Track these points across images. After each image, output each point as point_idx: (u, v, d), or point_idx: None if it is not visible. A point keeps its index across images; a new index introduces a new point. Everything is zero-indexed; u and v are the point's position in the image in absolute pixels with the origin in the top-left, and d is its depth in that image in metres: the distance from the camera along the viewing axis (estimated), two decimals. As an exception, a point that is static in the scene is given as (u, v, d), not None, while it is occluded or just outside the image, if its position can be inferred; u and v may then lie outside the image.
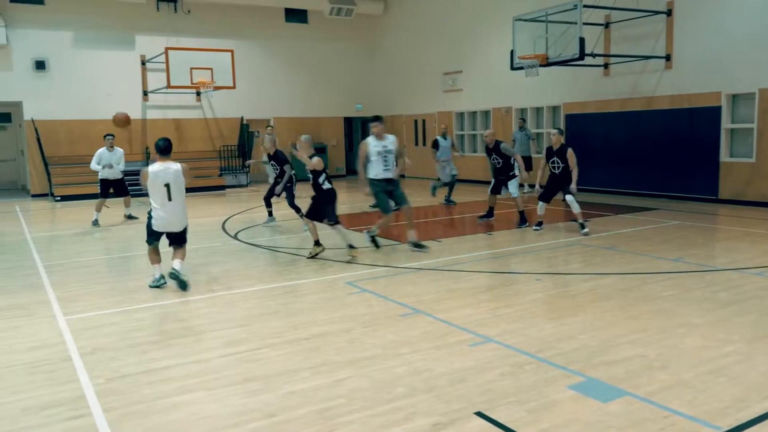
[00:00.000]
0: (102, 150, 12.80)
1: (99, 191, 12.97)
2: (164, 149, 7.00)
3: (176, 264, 6.99)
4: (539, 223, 10.44)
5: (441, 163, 13.92)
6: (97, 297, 6.85)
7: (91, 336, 5.46)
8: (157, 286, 7.13)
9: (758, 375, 4.23)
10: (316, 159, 8.31)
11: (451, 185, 14.20)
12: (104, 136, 13.05)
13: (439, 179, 14.28)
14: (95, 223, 12.48)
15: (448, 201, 14.28)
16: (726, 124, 13.18)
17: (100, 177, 12.91)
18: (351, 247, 8.39)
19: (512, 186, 11.10)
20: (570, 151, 9.98)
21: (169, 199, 6.90)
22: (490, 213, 11.48)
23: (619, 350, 4.76)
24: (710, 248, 8.97)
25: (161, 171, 6.88)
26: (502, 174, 11.07)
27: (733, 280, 6.85)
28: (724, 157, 13.27)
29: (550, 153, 10.22)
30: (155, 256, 7.21)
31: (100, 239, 11.09)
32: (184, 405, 4.00)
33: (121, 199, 13.34)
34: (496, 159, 11.04)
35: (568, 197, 9.95)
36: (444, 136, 14.09)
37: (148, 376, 4.51)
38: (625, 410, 3.74)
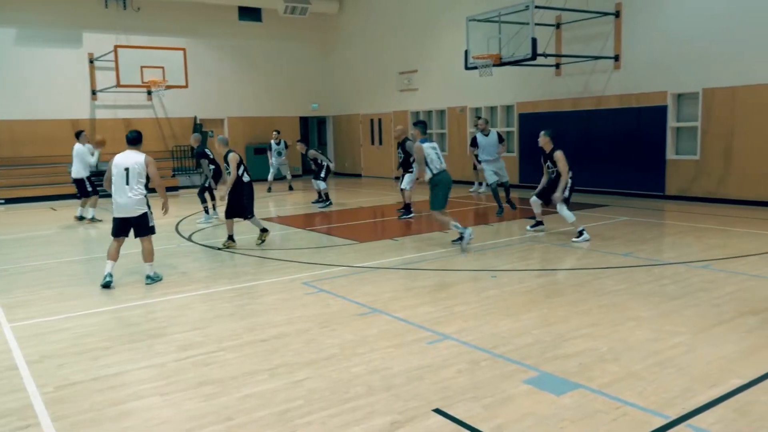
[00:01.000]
0: (90, 146, 12.80)
1: (90, 189, 12.76)
2: (131, 140, 7.42)
3: (147, 270, 7.38)
4: (537, 224, 10.05)
5: (483, 165, 12.18)
6: (45, 303, 6.64)
7: (38, 343, 5.29)
8: (104, 285, 7.06)
9: (704, 365, 4.38)
10: (231, 155, 9.14)
11: (505, 188, 12.36)
12: (82, 133, 12.99)
13: (487, 184, 12.88)
14: (93, 218, 12.73)
15: (509, 204, 12.37)
16: (672, 122, 13.61)
17: (86, 176, 12.70)
18: (264, 230, 9.52)
19: (406, 179, 12.07)
20: (558, 155, 9.23)
21: (126, 183, 7.14)
22: (407, 209, 12.16)
23: (572, 344, 4.86)
24: (658, 243, 9.25)
25: (124, 158, 7.24)
26: (405, 168, 12.11)
27: (680, 274, 7.08)
28: (670, 154, 13.71)
29: (543, 156, 9.57)
30: (113, 252, 7.28)
31: (47, 243, 10.74)
32: (138, 411, 3.91)
33: (78, 200, 13.17)
34: (400, 154, 12.17)
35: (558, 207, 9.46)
36: (484, 132, 12.27)
37: (100, 383, 4.39)
38: (578, 403, 3.82)
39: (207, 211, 12.46)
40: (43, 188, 17.27)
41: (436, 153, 8.93)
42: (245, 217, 9.39)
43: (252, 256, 8.79)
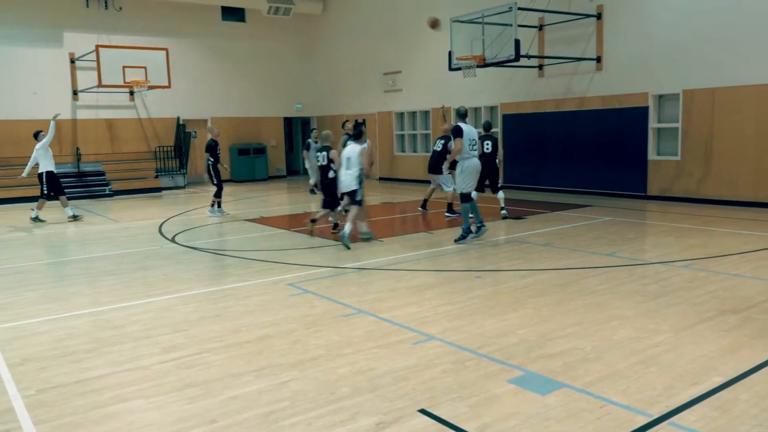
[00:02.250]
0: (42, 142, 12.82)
1: (45, 191, 12.83)
2: (353, 136, 9.86)
3: (345, 227, 9.21)
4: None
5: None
6: (26, 305, 6.55)
7: (19, 346, 5.22)
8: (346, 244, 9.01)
9: (686, 363, 4.44)
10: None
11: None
12: (41, 133, 12.96)
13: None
14: (36, 218, 12.89)
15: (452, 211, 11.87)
16: (653, 123, 13.76)
17: (46, 171, 12.77)
18: (335, 225, 10.30)
19: (450, 179, 11.87)
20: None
21: (347, 167, 9.40)
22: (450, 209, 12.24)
23: (557, 344, 4.90)
24: (640, 243, 9.34)
25: (349, 148, 9.56)
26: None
27: (661, 273, 7.16)
28: (651, 155, 13.85)
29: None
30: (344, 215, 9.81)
31: (28, 245, 10.61)
32: (121, 414, 3.88)
33: (56, 201, 13.31)
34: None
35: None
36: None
37: (82, 385, 4.34)
38: (562, 402, 3.85)
39: (213, 205, 13.35)
40: (23, 189, 17.04)
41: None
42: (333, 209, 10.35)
43: (236, 258, 8.75)
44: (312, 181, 15.86)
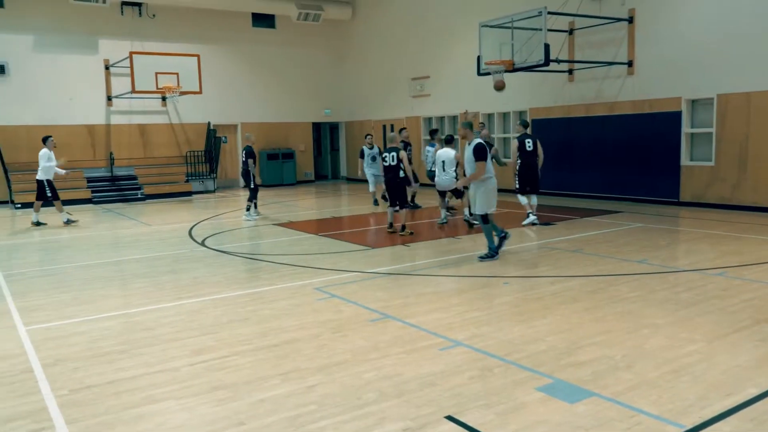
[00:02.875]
0: (48, 152, 13.25)
1: (50, 195, 13.26)
2: (446, 141, 11.53)
3: (467, 215, 11.14)
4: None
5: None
6: (61, 306, 6.70)
7: (54, 346, 5.34)
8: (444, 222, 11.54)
9: (719, 373, 4.34)
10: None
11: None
12: (49, 138, 13.47)
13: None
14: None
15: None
16: (686, 128, 13.51)
17: (45, 179, 13.19)
18: (403, 227, 10.77)
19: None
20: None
21: (443, 169, 11.11)
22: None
23: (586, 351, 4.83)
24: (672, 250, 9.18)
25: (443, 152, 11.27)
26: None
27: (694, 281, 7.02)
28: (684, 160, 13.60)
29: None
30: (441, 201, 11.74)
31: (63, 247, 10.84)
32: (152, 415, 3.94)
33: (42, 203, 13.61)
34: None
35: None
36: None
37: (114, 386, 4.42)
38: (592, 411, 3.80)
39: (249, 209, 13.53)
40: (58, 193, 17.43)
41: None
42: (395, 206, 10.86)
43: (264, 261, 8.83)
44: (372, 189, 15.33)
